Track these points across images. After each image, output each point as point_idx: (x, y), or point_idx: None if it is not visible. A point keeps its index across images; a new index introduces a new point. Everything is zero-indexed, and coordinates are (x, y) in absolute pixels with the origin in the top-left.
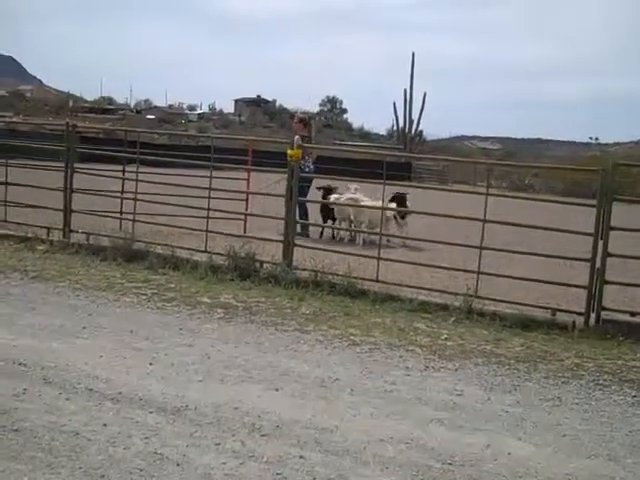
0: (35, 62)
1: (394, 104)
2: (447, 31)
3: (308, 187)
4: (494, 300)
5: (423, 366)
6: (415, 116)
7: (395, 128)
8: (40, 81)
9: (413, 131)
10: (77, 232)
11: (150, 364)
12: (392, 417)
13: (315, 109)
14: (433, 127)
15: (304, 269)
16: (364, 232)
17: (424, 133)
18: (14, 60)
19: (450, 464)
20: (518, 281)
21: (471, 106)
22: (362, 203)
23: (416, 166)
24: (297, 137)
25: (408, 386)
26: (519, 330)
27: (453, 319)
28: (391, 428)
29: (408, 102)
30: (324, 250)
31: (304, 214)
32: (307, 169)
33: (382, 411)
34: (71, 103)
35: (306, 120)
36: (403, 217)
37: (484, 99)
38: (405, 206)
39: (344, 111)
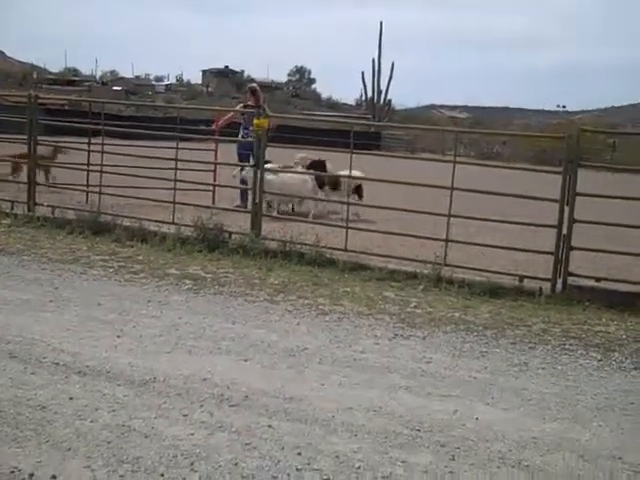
0: None
1: (362, 74)
2: (416, 0)
3: (247, 156)
4: (463, 268)
5: (392, 334)
6: (384, 86)
7: (364, 98)
8: (3, 52)
9: (382, 101)
10: (42, 205)
11: (118, 337)
12: (361, 385)
13: (283, 79)
14: (402, 97)
15: (273, 239)
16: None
17: (393, 103)
18: None
19: (418, 430)
20: (486, 249)
21: (440, 76)
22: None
23: (385, 135)
24: (240, 105)
25: (377, 354)
26: (487, 297)
27: (422, 287)
28: (360, 396)
29: (376, 72)
30: (292, 220)
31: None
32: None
33: (351, 379)
34: (35, 75)
35: (253, 88)
36: (335, 188)
37: (453, 69)
38: (325, 172)
39: (312, 81)
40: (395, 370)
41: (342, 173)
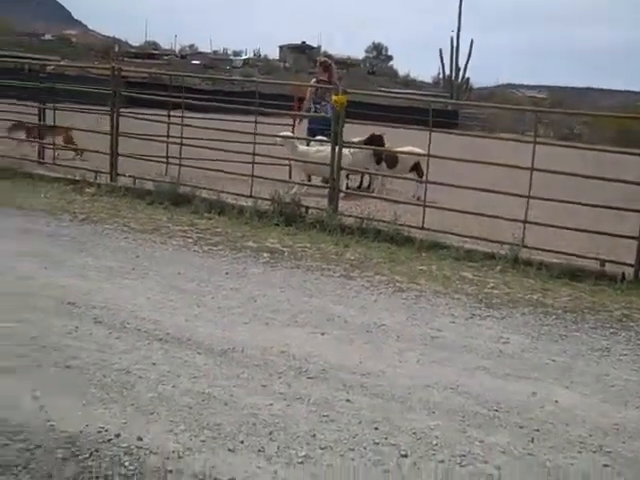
0: (80, 6)
1: (440, 51)
2: None
3: (321, 132)
4: (541, 250)
5: (469, 314)
6: (462, 64)
7: (441, 76)
8: (85, 26)
9: (460, 79)
10: (124, 176)
11: (197, 306)
12: (438, 363)
13: (361, 56)
14: (480, 75)
15: (349, 215)
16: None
17: (471, 81)
18: (59, 4)
19: (496, 410)
20: (566, 231)
21: (519, 53)
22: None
23: (462, 114)
24: (313, 80)
25: (454, 333)
26: (566, 280)
27: (499, 268)
28: (437, 374)
29: (455, 50)
30: (370, 197)
31: None
32: (324, 114)
33: (428, 357)
34: (117, 48)
35: (327, 63)
36: (378, 162)
37: (534, 47)
38: (383, 147)
39: (390, 58)
40: (472, 350)
41: (400, 149)
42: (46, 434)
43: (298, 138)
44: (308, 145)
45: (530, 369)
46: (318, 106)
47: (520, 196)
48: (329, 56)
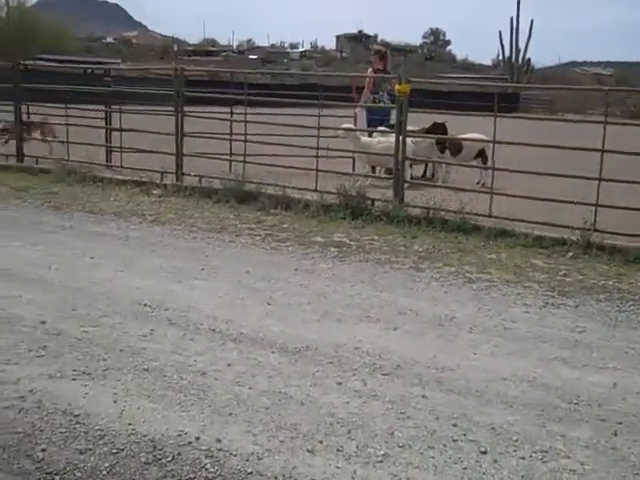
0: (140, 8)
1: (500, 33)
2: None
3: (380, 122)
4: (614, 234)
5: (542, 303)
6: (522, 45)
7: (501, 58)
8: (145, 27)
9: (520, 60)
10: (189, 175)
11: (268, 304)
12: (513, 355)
13: (417, 42)
14: (542, 56)
15: (415, 206)
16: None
17: (532, 62)
18: (120, 8)
19: (576, 403)
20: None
21: (583, 32)
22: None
23: (524, 96)
24: (370, 70)
25: (527, 323)
26: None
27: (571, 254)
28: (513, 366)
29: (515, 31)
30: (435, 186)
31: None
32: (382, 103)
33: (502, 349)
34: (175, 47)
35: (382, 52)
36: (442, 150)
37: (596, 24)
38: (446, 134)
39: (447, 43)
40: (547, 340)
41: (464, 136)
42: (128, 438)
43: (359, 130)
44: (370, 136)
45: (609, 359)
46: (376, 95)
47: (590, 179)
48: (386, 44)
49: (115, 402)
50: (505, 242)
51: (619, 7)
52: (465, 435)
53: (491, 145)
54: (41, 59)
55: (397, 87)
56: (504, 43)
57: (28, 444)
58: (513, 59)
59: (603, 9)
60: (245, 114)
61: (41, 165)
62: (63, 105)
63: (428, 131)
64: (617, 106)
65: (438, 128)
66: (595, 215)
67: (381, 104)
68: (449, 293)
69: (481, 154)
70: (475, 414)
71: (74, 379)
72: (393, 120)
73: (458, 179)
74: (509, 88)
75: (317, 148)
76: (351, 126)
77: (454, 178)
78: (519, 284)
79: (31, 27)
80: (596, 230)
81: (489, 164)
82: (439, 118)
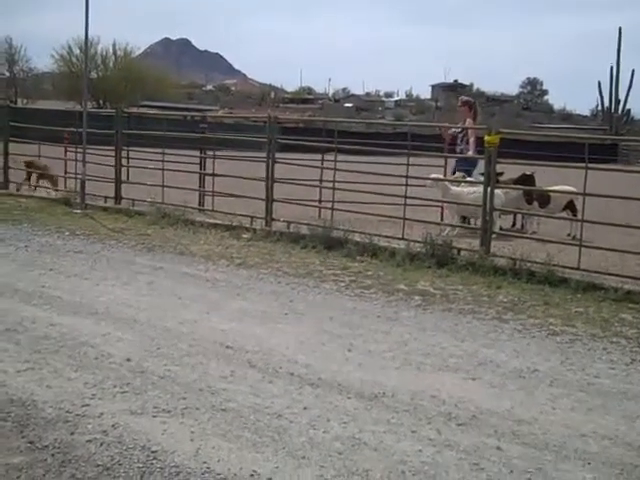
0: (240, 57)
1: (599, 83)
2: None
3: (467, 173)
4: None
5: (629, 359)
6: (622, 95)
7: (600, 108)
8: (244, 75)
9: (620, 110)
10: (278, 220)
11: (348, 350)
12: (594, 411)
13: (514, 91)
14: None
15: (502, 256)
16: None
17: (632, 112)
18: (221, 57)
19: None
20: None
21: None
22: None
23: (623, 147)
24: (468, 121)
25: (612, 379)
26: None
27: None
28: (593, 422)
29: (614, 80)
30: (522, 237)
31: None
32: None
33: (584, 404)
34: (272, 94)
35: (471, 103)
36: (530, 202)
37: None
38: (534, 186)
39: (545, 92)
40: (633, 397)
41: (552, 188)
42: (202, 476)
43: (449, 180)
44: (459, 186)
45: None
46: (462, 146)
47: None
48: (480, 94)
49: (192, 440)
50: (593, 296)
51: None
52: None
53: (580, 197)
54: (145, 106)
55: (486, 138)
56: (603, 93)
57: (106, 477)
58: (612, 109)
59: None
60: (335, 161)
61: (137, 207)
62: (160, 150)
63: (516, 182)
64: None
65: (526, 179)
66: None
67: (469, 154)
68: (532, 345)
69: (569, 206)
70: (551, 469)
71: (154, 416)
72: (478, 171)
73: (547, 231)
74: (606, 139)
75: (405, 197)
76: (440, 176)
77: (542, 230)
78: (605, 339)
79: (137, 75)
80: None
81: (578, 216)
82: (528, 169)
